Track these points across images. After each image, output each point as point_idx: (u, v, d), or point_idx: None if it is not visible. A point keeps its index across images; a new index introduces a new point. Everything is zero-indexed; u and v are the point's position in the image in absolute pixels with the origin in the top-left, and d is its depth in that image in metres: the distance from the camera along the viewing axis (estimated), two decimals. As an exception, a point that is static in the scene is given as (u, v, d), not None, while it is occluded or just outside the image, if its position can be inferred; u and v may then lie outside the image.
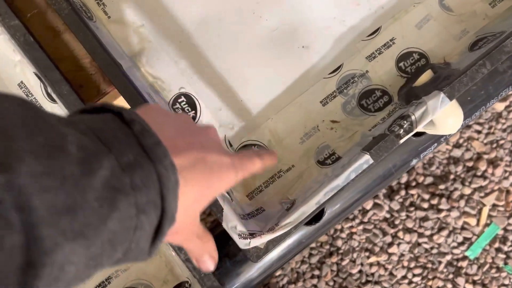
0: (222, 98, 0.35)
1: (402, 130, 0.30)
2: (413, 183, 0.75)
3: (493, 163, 0.75)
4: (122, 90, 0.31)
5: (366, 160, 0.30)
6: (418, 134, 0.39)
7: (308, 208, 0.30)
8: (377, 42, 0.35)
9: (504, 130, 0.77)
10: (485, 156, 0.76)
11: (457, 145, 0.77)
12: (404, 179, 0.76)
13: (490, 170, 0.75)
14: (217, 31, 0.35)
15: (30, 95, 0.35)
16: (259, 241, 0.29)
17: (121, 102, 0.33)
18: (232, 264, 0.38)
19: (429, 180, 0.75)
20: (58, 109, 0.34)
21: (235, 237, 0.29)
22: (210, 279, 0.30)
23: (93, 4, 0.35)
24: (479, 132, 0.78)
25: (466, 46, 0.35)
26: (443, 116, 0.33)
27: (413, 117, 0.30)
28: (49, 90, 0.33)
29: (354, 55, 0.35)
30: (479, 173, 0.75)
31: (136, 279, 0.34)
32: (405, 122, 0.30)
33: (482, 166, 0.74)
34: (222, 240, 0.39)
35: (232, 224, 0.29)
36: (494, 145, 0.76)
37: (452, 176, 0.75)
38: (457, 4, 0.36)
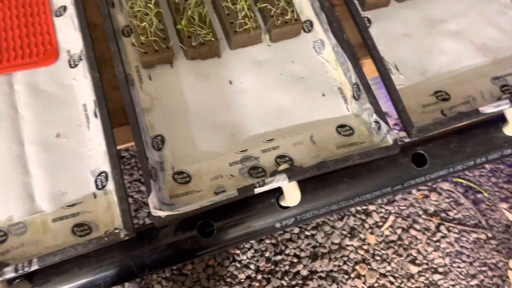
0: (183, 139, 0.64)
1: (258, 185, 0.58)
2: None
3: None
4: (130, 119, 0.61)
5: (234, 193, 0.57)
6: (282, 207, 0.65)
7: (193, 206, 0.56)
8: (269, 145, 0.64)
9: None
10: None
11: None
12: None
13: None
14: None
15: (86, 111, 0.65)
16: (161, 213, 0.55)
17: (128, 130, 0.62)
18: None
19: None
20: (96, 123, 0.64)
21: (151, 208, 0.55)
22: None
23: (136, 79, 0.67)
24: (391, 283, 1.03)
25: (315, 163, 0.63)
26: (287, 192, 0.60)
27: (266, 181, 0.58)
28: (96, 111, 0.63)
29: (256, 147, 0.64)
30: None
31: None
32: (261, 182, 0.58)
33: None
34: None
35: (152, 199, 0.56)
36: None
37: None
38: (319, 141, 0.65)
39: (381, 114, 0.63)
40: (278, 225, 0.65)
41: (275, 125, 0.66)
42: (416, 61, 0.71)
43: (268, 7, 0.71)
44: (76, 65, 0.69)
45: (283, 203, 0.64)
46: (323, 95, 0.69)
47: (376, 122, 0.64)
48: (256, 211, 0.65)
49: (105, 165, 0.61)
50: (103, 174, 0.61)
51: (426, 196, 1.25)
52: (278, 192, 0.64)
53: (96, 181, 0.61)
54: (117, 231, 0.55)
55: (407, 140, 0.68)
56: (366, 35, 0.69)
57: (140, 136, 0.60)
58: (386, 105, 1.19)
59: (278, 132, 0.66)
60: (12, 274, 0.52)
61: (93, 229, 0.59)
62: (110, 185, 0.60)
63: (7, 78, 0.67)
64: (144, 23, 0.67)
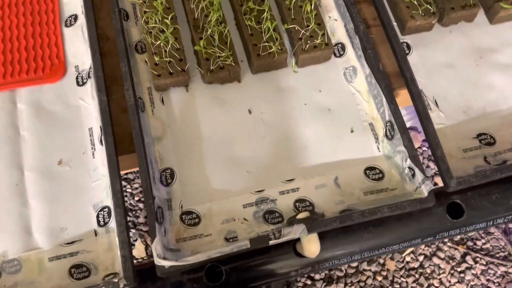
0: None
1: (273, 237, 0.52)
2: None
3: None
4: (138, 153, 0.55)
5: (246, 244, 0.51)
6: (299, 255, 0.59)
7: (200, 257, 0.50)
8: (288, 186, 0.58)
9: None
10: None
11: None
12: None
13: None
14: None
15: (92, 136, 0.60)
16: (165, 263, 0.50)
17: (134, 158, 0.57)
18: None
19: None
20: (102, 150, 0.58)
21: (155, 256, 0.50)
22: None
23: (148, 102, 0.62)
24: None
25: (339, 211, 0.57)
26: (305, 242, 0.54)
27: (282, 232, 0.52)
28: (102, 138, 0.58)
29: (274, 187, 0.58)
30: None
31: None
32: (277, 233, 0.52)
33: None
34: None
35: (155, 247, 0.50)
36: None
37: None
38: (344, 184, 0.58)
39: (417, 160, 0.56)
40: (293, 273, 0.59)
41: (296, 163, 0.60)
42: (459, 96, 0.64)
43: (296, 28, 0.63)
44: (84, 83, 0.63)
45: (300, 251, 0.58)
46: (352, 131, 0.62)
47: (410, 168, 0.57)
48: (270, 257, 0.59)
49: (108, 200, 0.56)
50: (106, 210, 0.56)
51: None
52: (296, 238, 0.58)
53: (98, 216, 0.56)
54: (116, 280, 0.50)
55: (441, 184, 0.60)
56: (404, 65, 0.61)
57: (147, 171, 0.54)
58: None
59: (299, 171, 0.59)
60: (1, 323, 0.48)
61: (92, 271, 0.54)
62: (113, 223, 0.55)
63: (10, 95, 0.62)
64: (159, 42, 0.61)
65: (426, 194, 0.55)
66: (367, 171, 0.60)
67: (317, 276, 1.10)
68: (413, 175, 0.56)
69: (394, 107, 0.59)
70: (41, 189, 0.57)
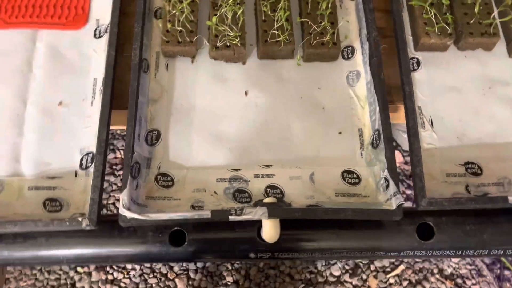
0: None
1: (234, 213, 0.53)
2: None
3: None
4: (130, 107, 0.58)
5: (207, 213, 0.53)
6: (261, 239, 0.60)
7: (161, 216, 0.53)
8: (264, 171, 0.59)
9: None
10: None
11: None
12: None
13: None
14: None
15: (95, 85, 0.63)
16: (128, 214, 0.53)
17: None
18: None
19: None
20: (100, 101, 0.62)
21: (120, 205, 0.53)
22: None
23: (153, 65, 0.65)
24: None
25: (306, 204, 0.57)
26: (265, 226, 0.55)
27: (244, 210, 0.53)
28: (100, 89, 0.61)
29: (250, 169, 0.59)
30: None
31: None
32: (239, 210, 0.53)
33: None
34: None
35: (123, 197, 0.53)
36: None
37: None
38: (318, 181, 0.59)
39: (394, 173, 0.56)
40: (252, 255, 0.61)
41: (277, 151, 0.61)
42: (457, 121, 0.63)
43: (309, 23, 0.64)
44: (100, 36, 0.67)
45: (262, 235, 0.59)
46: (340, 133, 0.62)
47: (386, 179, 0.57)
48: (233, 233, 0.60)
49: (94, 146, 0.60)
50: (90, 155, 0.60)
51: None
52: (260, 221, 0.59)
53: (82, 159, 0.60)
54: (80, 219, 0.53)
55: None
56: (406, 79, 0.61)
57: (133, 127, 0.57)
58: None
59: (278, 159, 0.60)
60: (-29, 231, 0.52)
61: (64, 207, 0.58)
62: (93, 168, 0.59)
63: (32, 33, 0.67)
64: (175, 11, 0.64)
65: (394, 207, 0.55)
66: (345, 174, 0.60)
67: (297, 276, 1.11)
68: (387, 186, 0.56)
69: (385, 117, 0.59)
70: (37, 124, 0.61)
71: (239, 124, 0.62)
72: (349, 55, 0.67)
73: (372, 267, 1.12)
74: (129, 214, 0.53)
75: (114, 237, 0.61)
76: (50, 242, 0.60)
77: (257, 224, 0.60)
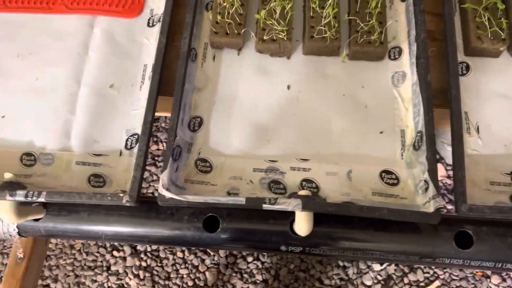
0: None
1: (268, 202, 0.54)
2: None
3: None
4: (176, 93, 0.60)
5: (242, 200, 0.54)
6: (293, 232, 0.61)
7: (197, 198, 0.54)
8: (301, 165, 0.60)
9: None
10: None
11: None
12: None
13: None
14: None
15: (144, 71, 0.66)
16: (167, 194, 0.54)
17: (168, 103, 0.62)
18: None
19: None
20: (149, 86, 0.64)
21: (160, 184, 0.55)
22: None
23: (201, 55, 0.67)
24: None
25: (341, 201, 0.57)
26: (298, 218, 0.55)
27: (278, 201, 0.54)
28: (149, 75, 0.64)
29: (287, 161, 0.60)
30: None
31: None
32: (273, 200, 0.54)
33: None
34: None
35: (163, 178, 0.55)
36: None
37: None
38: (356, 179, 0.59)
39: (434, 175, 0.55)
40: (283, 248, 0.61)
41: (316, 145, 0.61)
42: (505, 129, 0.60)
43: (357, 21, 0.64)
44: (153, 25, 0.70)
45: (294, 228, 0.59)
46: (381, 132, 0.62)
47: (426, 181, 0.55)
48: (266, 225, 0.61)
49: (140, 129, 0.62)
50: (135, 136, 0.62)
51: (487, 276, 1.09)
52: (293, 215, 0.59)
53: (127, 140, 0.62)
54: (121, 194, 0.56)
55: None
56: (453, 82, 0.60)
57: (178, 112, 0.59)
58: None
59: (316, 154, 0.61)
60: (21, 199, 0.56)
61: (107, 184, 0.60)
62: (137, 149, 0.61)
63: (90, 19, 0.71)
64: (226, 4, 0.66)
65: (432, 210, 0.53)
66: (383, 174, 0.59)
67: (327, 282, 1.09)
68: (426, 188, 0.55)
69: (429, 119, 0.58)
70: (89, 104, 0.65)
71: (279, 117, 0.63)
72: (396, 56, 0.66)
73: (406, 280, 1.09)
74: (167, 194, 0.55)
75: (152, 218, 0.63)
76: (91, 218, 0.63)
77: (291, 218, 0.60)
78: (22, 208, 0.60)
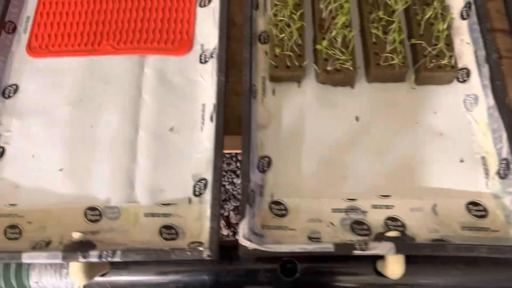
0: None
1: (358, 247, 0.51)
2: None
3: None
4: (244, 136, 0.57)
5: (330, 247, 0.51)
6: (378, 273, 0.58)
7: (283, 248, 0.51)
8: (383, 202, 0.57)
9: None
10: None
11: None
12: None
13: None
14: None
15: (203, 111, 0.63)
16: (249, 244, 0.51)
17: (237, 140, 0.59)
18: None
19: None
20: (210, 127, 0.61)
21: (240, 235, 0.52)
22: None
23: (260, 90, 0.64)
24: None
25: (431, 238, 0.54)
26: (391, 262, 0.52)
27: (369, 245, 0.51)
28: (214, 116, 0.61)
29: (368, 199, 0.57)
30: None
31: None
32: (363, 244, 0.51)
33: None
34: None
35: (243, 227, 0.52)
36: None
37: None
38: (442, 213, 0.56)
39: (529, 206, 0.52)
40: (367, 289, 0.58)
41: (395, 179, 0.58)
42: None
43: (423, 45, 0.62)
44: (206, 62, 0.67)
45: (380, 269, 0.56)
46: (461, 161, 0.59)
47: (519, 213, 0.53)
48: (348, 267, 0.58)
49: (207, 173, 0.59)
50: (203, 182, 0.59)
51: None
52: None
53: (195, 186, 0.59)
54: (201, 248, 0.53)
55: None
56: (535, 104, 0.57)
57: (248, 155, 0.56)
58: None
59: (397, 189, 0.58)
60: (95, 260, 0.53)
61: (180, 235, 0.57)
62: (207, 195, 0.58)
63: (140, 59, 0.68)
64: (284, 35, 0.63)
65: (533, 243, 0.50)
66: (469, 206, 0.56)
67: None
68: (521, 220, 0.52)
69: (515, 146, 0.55)
70: (150, 150, 0.62)
71: (352, 151, 0.60)
72: (465, 78, 0.63)
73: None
74: (250, 245, 0.52)
75: (223, 264, 0.60)
76: (161, 269, 0.60)
77: (373, 258, 0.57)
78: (90, 267, 0.57)
